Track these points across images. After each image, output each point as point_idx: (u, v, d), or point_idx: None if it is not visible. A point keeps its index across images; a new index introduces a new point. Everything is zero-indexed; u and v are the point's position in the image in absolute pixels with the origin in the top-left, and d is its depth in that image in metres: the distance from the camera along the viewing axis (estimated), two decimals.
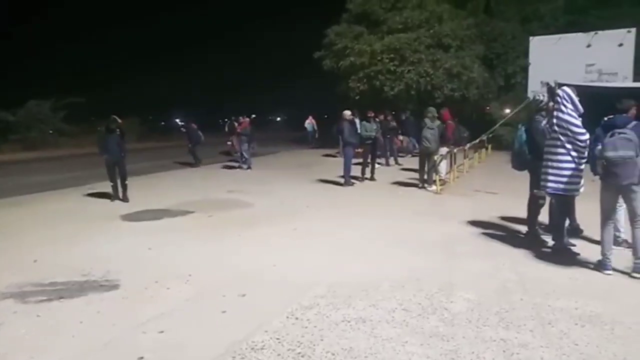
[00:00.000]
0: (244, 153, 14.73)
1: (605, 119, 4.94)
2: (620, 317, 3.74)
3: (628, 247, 5.34)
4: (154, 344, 3.45)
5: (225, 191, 10.44)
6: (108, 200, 9.31)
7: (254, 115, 16.54)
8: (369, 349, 3.28)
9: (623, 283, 4.54)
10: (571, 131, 4.99)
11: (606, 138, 4.61)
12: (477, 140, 14.53)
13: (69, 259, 5.61)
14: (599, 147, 4.67)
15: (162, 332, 3.64)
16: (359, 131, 11.34)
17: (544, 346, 3.29)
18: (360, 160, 11.62)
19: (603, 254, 4.87)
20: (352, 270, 4.98)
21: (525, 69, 20.03)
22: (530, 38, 19.78)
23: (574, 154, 5.02)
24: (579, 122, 5.00)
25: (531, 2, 21.58)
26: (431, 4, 19.65)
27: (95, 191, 10.36)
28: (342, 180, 10.98)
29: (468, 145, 13.21)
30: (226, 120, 18.02)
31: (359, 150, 11.46)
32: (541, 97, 5.93)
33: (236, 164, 15.21)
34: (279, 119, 64.93)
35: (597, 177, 5.15)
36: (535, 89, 18.26)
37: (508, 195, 8.82)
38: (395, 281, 4.60)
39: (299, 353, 3.25)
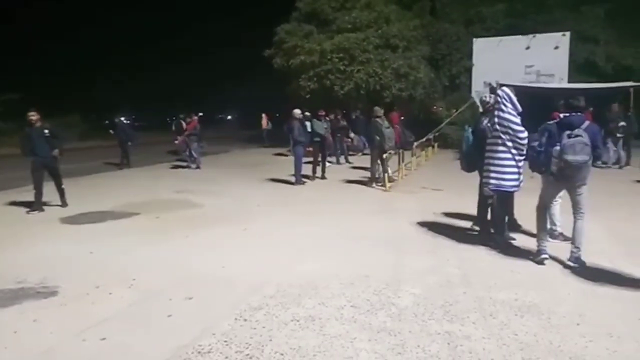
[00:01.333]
0: (194, 152, 14.43)
1: (562, 116, 4.96)
2: (556, 306, 3.93)
3: (564, 240, 5.65)
4: (95, 352, 3.31)
5: (173, 191, 10.18)
6: (48, 202, 8.69)
7: (201, 114, 16.24)
8: (318, 347, 3.29)
9: (558, 274, 4.78)
10: (512, 129, 5.19)
11: (564, 139, 4.65)
12: (424, 139, 14.92)
13: (1, 265, 5.29)
14: (557, 147, 4.72)
15: (103, 339, 3.49)
16: (309, 130, 11.37)
17: (485, 337, 3.41)
18: (311, 159, 11.65)
19: (538, 241, 5.09)
20: (302, 269, 4.98)
21: (469, 70, 20.77)
22: (474, 40, 20.54)
23: (514, 151, 5.23)
24: (518, 120, 5.22)
25: (474, 5, 22.37)
26: (379, 5, 19.97)
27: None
28: (293, 179, 10.97)
29: (416, 143, 13.52)
30: (174, 118, 17.54)
31: (310, 149, 11.49)
32: (488, 99, 6.11)
33: (184, 164, 14.86)
34: (230, 117, 63.95)
35: (535, 173, 5.42)
36: (478, 89, 19.01)
37: (453, 192, 9.10)
38: (344, 278, 4.64)
39: (247, 355, 3.21)
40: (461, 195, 8.13)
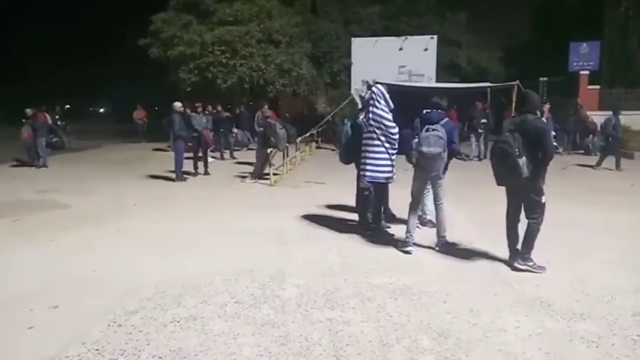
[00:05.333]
0: (39, 150, 12.85)
1: (424, 112, 5.44)
2: (426, 287, 4.26)
3: (432, 227, 6.13)
4: None
5: (35, 191, 9.18)
6: None
7: (67, 106, 14.74)
8: (199, 347, 3.19)
9: (429, 257, 5.19)
10: (384, 125, 5.52)
11: (422, 133, 5.13)
12: (308, 134, 15.21)
13: None
14: (416, 140, 5.21)
15: None
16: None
17: (364, 321, 3.58)
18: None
19: (407, 233, 5.43)
20: (183, 268, 4.79)
21: (348, 68, 21.56)
22: (352, 39, 21.36)
23: (387, 145, 5.56)
24: (390, 116, 5.56)
25: (352, 6, 23.25)
26: None
27: None
28: (173, 176, 10.50)
29: (299, 139, 13.74)
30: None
31: (191, 143, 11.08)
32: (364, 94, 6.39)
33: (30, 160, 13.12)
34: (102, 110, 59.07)
35: (411, 165, 5.83)
36: (357, 86, 19.83)
37: (335, 185, 9.39)
38: (228, 274, 4.56)
39: None
40: (343, 188, 8.42)
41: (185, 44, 18.46)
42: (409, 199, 5.63)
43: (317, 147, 17.34)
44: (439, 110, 5.40)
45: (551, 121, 13.51)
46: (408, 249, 5.32)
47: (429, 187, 6.20)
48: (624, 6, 21.89)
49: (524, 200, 4.66)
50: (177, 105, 10.62)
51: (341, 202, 7.62)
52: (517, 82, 14.35)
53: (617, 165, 11.83)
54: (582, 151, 15.67)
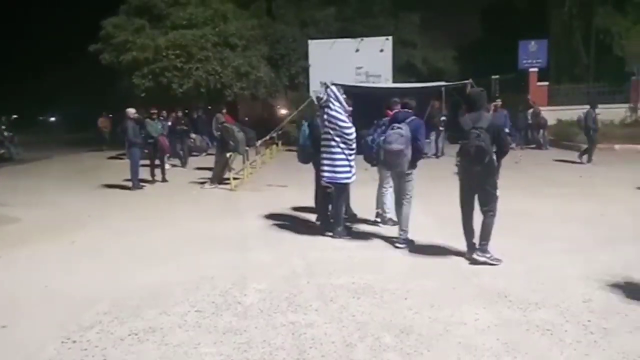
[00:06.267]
0: None
1: (392, 112, 5.71)
2: (387, 285, 4.31)
3: (393, 225, 6.22)
4: None
5: None
6: None
7: (15, 116, 14.10)
8: (159, 359, 3.11)
9: (390, 255, 5.25)
10: (338, 125, 5.58)
11: (388, 131, 5.32)
12: (268, 137, 15.14)
13: None
14: (382, 138, 5.37)
15: None
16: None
17: (327, 322, 3.58)
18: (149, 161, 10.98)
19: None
20: (141, 279, 4.66)
21: (306, 70, 21.60)
22: (309, 41, 21.42)
23: (342, 146, 5.61)
24: (344, 117, 5.61)
25: (307, 8, 23.33)
26: (215, 2, 19.59)
27: None
28: (129, 184, 10.22)
29: (259, 142, 13.65)
30: None
31: (147, 150, 10.80)
32: (324, 96, 6.42)
33: None
34: (53, 118, 56.67)
35: (370, 165, 5.94)
36: (316, 88, 19.85)
37: (297, 187, 9.36)
38: (188, 283, 4.47)
39: None
40: (304, 190, 8.40)
41: (138, 49, 18.03)
42: (371, 199, 5.73)
43: (278, 150, 17.25)
44: (407, 110, 5.59)
45: (506, 117, 13.98)
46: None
47: (387, 185, 6.32)
48: (568, 5, 22.88)
49: (480, 194, 4.78)
50: (131, 111, 10.35)
51: (304, 204, 7.60)
52: (470, 80, 14.75)
53: (589, 158, 11.87)
54: (533, 145, 16.27)
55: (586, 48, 23.04)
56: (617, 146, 14.43)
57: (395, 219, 6.19)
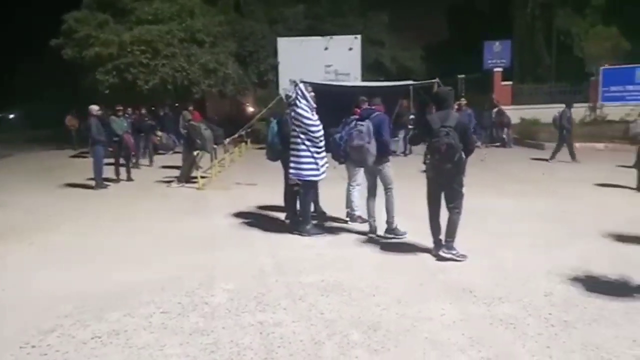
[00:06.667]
0: None
1: (363, 107, 5.93)
2: (356, 282, 4.33)
3: (362, 222, 6.28)
4: None
5: None
6: None
7: None
8: None
9: (359, 253, 5.27)
10: (304, 123, 5.59)
11: (352, 129, 5.49)
12: (236, 135, 14.99)
13: None
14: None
15: None
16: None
17: (295, 321, 3.57)
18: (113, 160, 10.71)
19: (369, 218, 5.83)
20: (105, 281, 4.54)
21: (275, 68, 21.48)
22: (278, 39, 21.30)
23: (308, 143, 5.62)
24: (310, 115, 5.61)
25: (276, 6, 23.21)
26: None
27: None
28: (93, 183, 9.93)
29: (228, 140, 13.50)
30: None
31: (112, 149, 10.53)
32: (291, 94, 6.41)
33: None
34: (12, 115, 54.57)
35: (338, 164, 5.99)
36: (285, 86, 19.78)
37: (266, 185, 9.30)
38: (154, 284, 4.37)
39: None
40: (274, 188, 8.34)
41: (102, 44, 17.55)
42: (339, 196, 5.74)
43: (248, 148, 17.11)
44: (372, 107, 5.79)
45: (470, 115, 14.23)
46: (371, 234, 5.74)
47: (354, 183, 6.37)
48: (530, 7, 23.53)
49: (447, 191, 4.86)
50: (94, 108, 10.06)
51: (273, 203, 7.55)
52: (437, 79, 14.98)
53: (572, 157, 11.89)
54: (498, 144, 16.66)
55: (548, 49, 23.78)
56: (577, 144, 14.85)
57: (364, 216, 6.26)
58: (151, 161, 14.00)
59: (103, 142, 9.89)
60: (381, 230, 5.78)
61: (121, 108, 11.66)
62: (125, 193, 9.58)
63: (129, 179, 10.85)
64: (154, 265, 4.98)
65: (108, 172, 10.39)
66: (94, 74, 17.87)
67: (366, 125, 5.38)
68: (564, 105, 12.48)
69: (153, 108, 17.68)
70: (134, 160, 12.13)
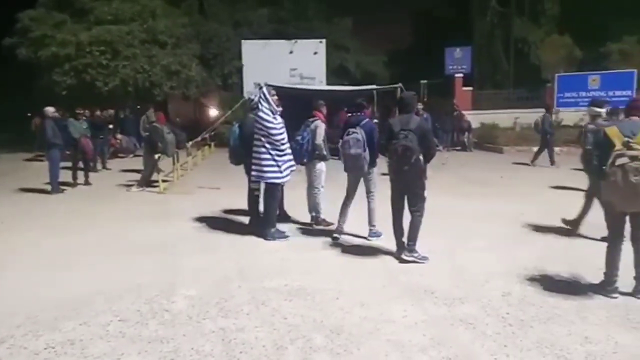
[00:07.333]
0: None
1: (347, 115, 6.02)
2: (319, 286, 4.33)
3: (326, 226, 6.31)
4: None
5: None
6: None
7: None
8: None
9: (323, 257, 5.28)
10: (265, 126, 5.57)
11: (345, 136, 5.48)
12: (199, 138, 14.77)
13: None
14: (340, 143, 5.56)
15: None
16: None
17: (258, 326, 3.54)
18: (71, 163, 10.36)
19: (339, 225, 5.79)
20: (60, 290, 4.36)
21: (240, 70, 21.36)
22: (242, 41, 21.19)
23: (268, 146, 5.61)
24: (272, 118, 5.59)
25: (241, 9, 23.08)
26: None
27: None
28: (49, 188, 9.57)
29: (190, 143, 13.29)
30: None
31: (68, 152, 10.17)
32: (254, 97, 6.37)
33: None
34: None
35: (300, 166, 6.01)
36: (250, 89, 19.66)
37: (230, 189, 9.17)
38: (112, 292, 4.24)
39: None
40: (238, 192, 8.25)
41: (59, 44, 17.00)
42: (303, 200, 5.74)
43: (211, 151, 16.89)
44: (360, 113, 5.76)
45: (427, 120, 14.47)
46: (336, 235, 5.75)
47: (319, 186, 6.39)
48: (489, 15, 24.27)
49: (410, 194, 4.94)
50: (50, 110, 9.71)
51: (236, 207, 7.47)
52: (400, 84, 15.20)
53: (552, 160, 12.09)
54: (459, 147, 17.07)
55: (506, 56, 24.56)
56: (535, 148, 15.42)
57: (328, 220, 6.30)
58: (104, 166, 13.37)
59: (59, 145, 9.54)
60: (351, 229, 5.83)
61: (82, 111, 11.28)
62: (83, 198, 9.27)
63: (87, 183, 10.51)
64: (112, 272, 4.83)
65: (65, 176, 10.04)
66: (50, 74, 17.27)
67: (360, 133, 5.39)
68: (543, 110, 12.84)
69: (111, 111, 17.14)
70: (92, 164, 11.73)
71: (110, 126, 14.44)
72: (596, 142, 4.59)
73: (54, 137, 9.41)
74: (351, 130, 5.48)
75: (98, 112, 14.99)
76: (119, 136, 15.07)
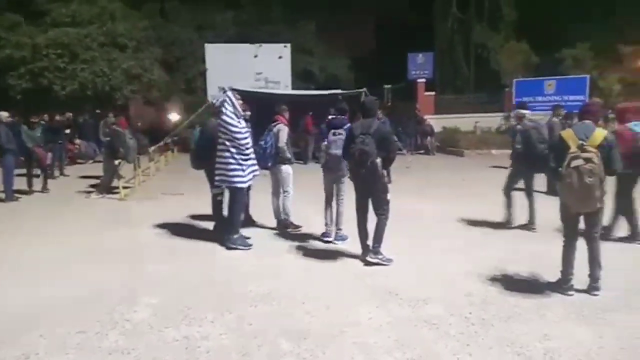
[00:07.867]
0: None
1: (330, 117, 6.18)
2: (285, 291, 4.32)
3: (294, 229, 6.32)
4: None
5: None
6: None
7: None
8: None
9: (288, 261, 5.26)
10: (230, 130, 5.52)
11: (330, 137, 5.63)
12: (162, 143, 14.47)
13: None
14: (325, 143, 5.80)
15: None
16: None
17: (223, 333, 3.49)
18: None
19: (325, 225, 5.91)
20: (16, 301, 4.18)
21: (204, 74, 21.07)
22: (206, 45, 20.92)
23: (232, 150, 5.56)
24: (236, 122, 5.54)
25: (204, 12, 22.82)
26: (102, 0, 18.44)
27: None
28: (3, 196, 9.17)
29: (152, 148, 13.02)
30: None
31: (23, 158, 9.78)
32: (216, 102, 6.31)
33: None
34: None
35: (264, 171, 5.99)
36: (214, 93, 19.42)
37: (194, 195, 9.02)
38: (72, 301, 4.11)
39: None
40: (201, 198, 8.13)
41: (13, 47, 16.38)
42: (268, 205, 5.72)
43: (174, 156, 16.58)
44: (342, 116, 5.89)
45: (385, 124, 14.67)
46: (327, 239, 5.81)
47: (288, 188, 6.39)
48: (450, 20, 24.87)
49: (373, 198, 4.99)
50: (4, 115, 9.31)
51: (200, 212, 7.36)
52: (364, 89, 15.35)
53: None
54: (422, 151, 17.37)
55: (467, 61, 25.21)
56: (494, 151, 15.88)
57: (296, 223, 6.31)
58: (61, 172, 12.88)
59: (13, 150, 9.15)
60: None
61: (36, 120, 10.84)
62: (40, 205, 8.92)
63: (45, 189, 10.13)
64: (71, 282, 4.66)
65: (20, 183, 9.65)
66: (4, 78, 16.61)
67: (345, 135, 5.41)
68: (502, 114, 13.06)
69: (70, 115, 16.61)
70: (49, 171, 11.30)
71: (67, 131, 13.89)
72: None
73: (8, 143, 9.01)
74: (337, 131, 5.60)
75: (58, 117, 14.49)
76: (77, 141, 14.58)
